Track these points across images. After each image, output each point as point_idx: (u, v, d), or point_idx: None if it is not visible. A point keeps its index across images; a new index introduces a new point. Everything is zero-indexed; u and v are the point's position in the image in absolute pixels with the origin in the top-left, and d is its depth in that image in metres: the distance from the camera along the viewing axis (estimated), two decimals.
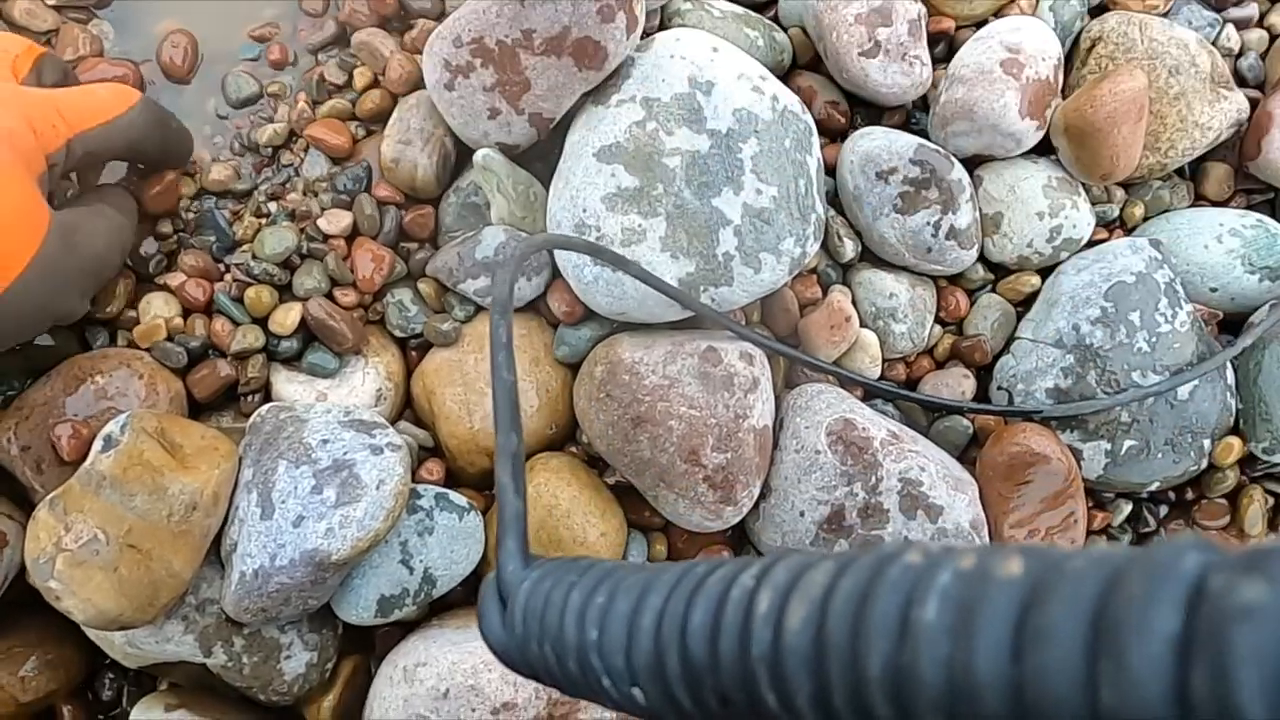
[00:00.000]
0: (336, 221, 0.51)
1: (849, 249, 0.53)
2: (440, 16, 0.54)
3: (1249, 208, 0.58)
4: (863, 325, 0.53)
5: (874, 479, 0.49)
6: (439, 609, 0.51)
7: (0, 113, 0.38)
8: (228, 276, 0.50)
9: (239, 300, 0.49)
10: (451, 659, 0.44)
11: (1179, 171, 0.58)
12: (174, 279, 0.49)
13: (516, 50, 0.47)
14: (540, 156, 0.52)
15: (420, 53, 0.52)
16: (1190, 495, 0.56)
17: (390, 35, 0.54)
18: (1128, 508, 0.56)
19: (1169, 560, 0.12)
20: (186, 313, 0.50)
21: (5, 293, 0.37)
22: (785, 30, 0.56)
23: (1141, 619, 0.12)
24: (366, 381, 0.50)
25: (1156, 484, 0.53)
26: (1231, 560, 0.12)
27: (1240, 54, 0.59)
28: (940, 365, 0.56)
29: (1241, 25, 0.59)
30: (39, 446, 0.44)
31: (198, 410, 0.50)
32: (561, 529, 0.48)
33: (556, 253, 0.49)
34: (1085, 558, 0.13)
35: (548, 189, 0.50)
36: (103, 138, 0.43)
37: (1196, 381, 0.52)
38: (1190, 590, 0.12)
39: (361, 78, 0.54)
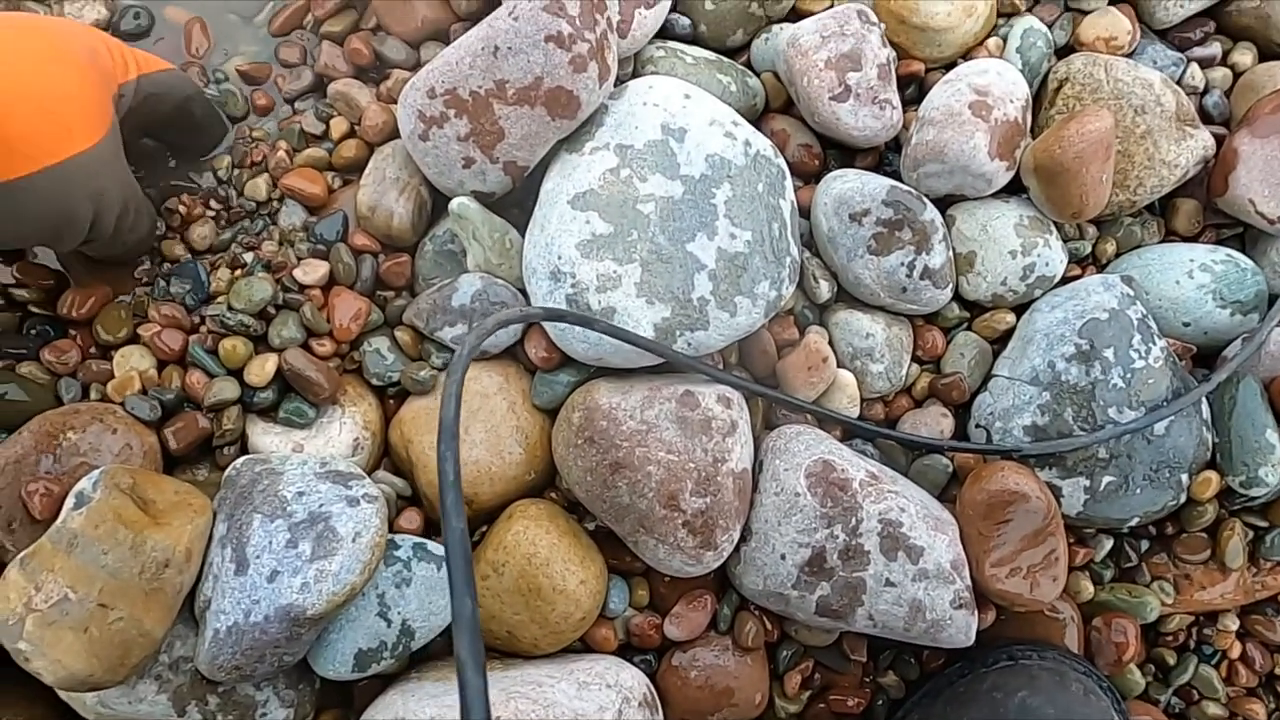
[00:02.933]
0: (313, 271, 0.51)
1: (825, 290, 0.53)
2: (415, 67, 0.55)
3: (1219, 242, 0.58)
4: (840, 365, 0.53)
5: (854, 520, 0.49)
6: (418, 661, 0.50)
7: (87, 35, 0.45)
8: (202, 328, 0.50)
9: (213, 352, 0.49)
10: (430, 713, 0.43)
11: (1149, 208, 0.59)
12: (147, 330, 0.49)
13: (490, 100, 0.47)
14: (516, 203, 0.52)
15: (395, 102, 0.52)
16: (1170, 530, 0.56)
17: (366, 85, 0.55)
18: (1109, 543, 0.56)
19: None
20: (161, 365, 0.49)
21: (66, 162, 0.41)
22: (758, 75, 0.57)
23: None
24: (344, 431, 0.50)
25: (1136, 519, 0.53)
26: None
27: (1205, 92, 0.60)
28: (918, 404, 0.56)
29: (1205, 64, 0.60)
30: (10, 505, 0.43)
31: (172, 464, 0.49)
32: (541, 577, 0.48)
33: (532, 297, 0.49)
34: None
35: (523, 235, 0.50)
36: (164, 84, 0.49)
37: (1173, 417, 0.52)
38: None
39: (338, 127, 0.54)
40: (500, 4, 0.53)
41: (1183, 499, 0.54)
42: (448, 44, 0.54)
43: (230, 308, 0.49)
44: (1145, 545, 0.57)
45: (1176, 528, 0.56)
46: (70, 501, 0.42)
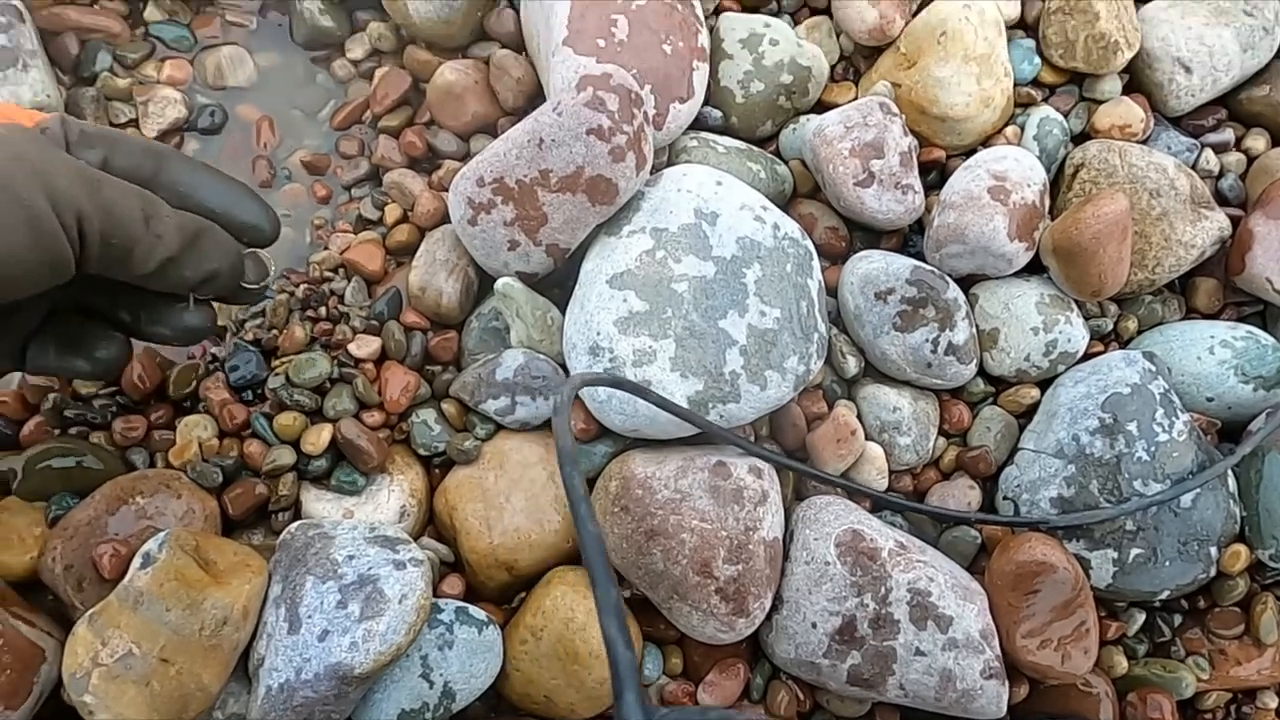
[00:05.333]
0: (366, 346, 0.54)
1: (852, 365, 0.56)
2: (464, 157, 0.59)
3: (1240, 319, 0.60)
4: (868, 438, 0.55)
5: (883, 589, 0.50)
6: None
7: None
8: (258, 405, 0.53)
9: (270, 417, 0.52)
10: None
11: (1169, 286, 0.60)
12: (216, 394, 0.52)
13: (535, 188, 0.50)
14: (557, 283, 0.55)
15: (446, 190, 0.56)
16: (1203, 604, 0.56)
17: (419, 175, 0.59)
18: (1141, 617, 0.56)
19: None
20: (222, 434, 0.52)
21: None
22: (786, 162, 0.60)
23: None
24: (391, 499, 0.52)
25: (1167, 592, 0.54)
26: None
27: (1220, 175, 0.62)
28: (946, 476, 0.57)
29: (1219, 149, 0.62)
30: (81, 565, 0.46)
31: (230, 528, 0.52)
32: (578, 641, 0.49)
33: (572, 370, 0.51)
34: None
35: (564, 313, 0.53)
36: None
37: (1199, 489, 0.53)
38: None
39: (392, 213, 0.58)
40: (544, 100, 0.57)
41: (1213, 572, 0.54)
42: (495, 136, 0.58)
43: (289, 381, 0.52)
44: (1178, 619, 0.57)
45: (1209, 602, 0.56)
46: (137, 561, 0.45)
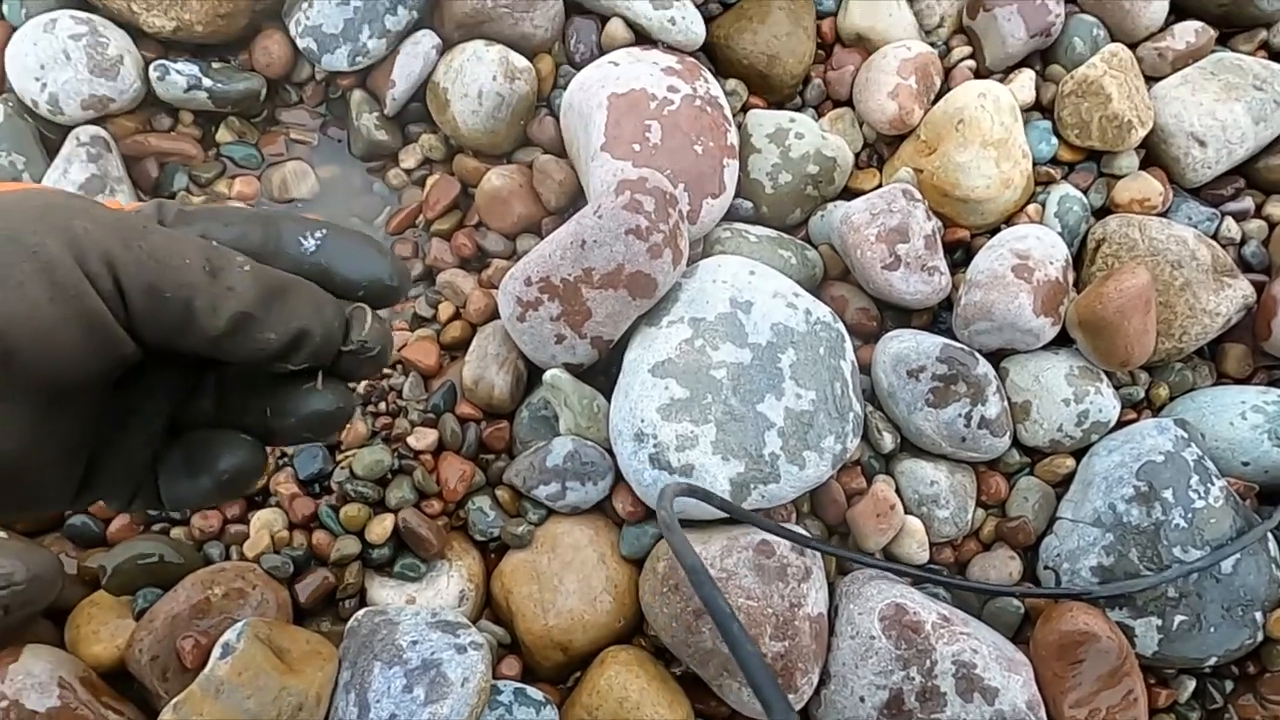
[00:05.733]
0: (424, 438, 0.57)
1: (888, 441, 0.58)
2: (512, 256, 0.63)
3: (1271, 383, 0.61)
4: (908, 512, 0.57)
5: (928, 662, 0.51)
6: None
7: None
8: (325, 497, 0.56)
9: (335, 509, 0.55)
10: None
11: (1199, 353, 0.62)
12: (286, 489, 0.56)
13: (578, 285, 0.54)
14: (602, 372, 0.58)
15: (495, 287, 0.60)
16: (1253, 669, 0.57)
17: (469, 274, 0.63)
18: (1192, 684, 0.56)
19: None
20: (291, 527, 0.56)
21: None
22: (815, 247, 0.63)
23: None
24: (451, 584, 0.55)
25: (1215, 658, 0.54)
26: None
27: (1242, 242, 0.63)
28: (987, 547, 0.58)
29: (1239, 217, 0.64)
30: (165, 656, 0.49)
31: (301, 615, 0.55)
32: None
33: (619, 456, 0.54)
34: None
35: (609, 401, 0.56)
36: None
37: (1239, 554, 0.54)
38: None
39: (445, 311, 0.62)
40: (585, 200, 0.61)
41: (1259, 637, 0.55)
42: (540, 235, 0.62)
43: (352, 474, 0.55)
44: (1230, 686, 0.57)
45: (1259, 667, 0.56)
46: (217, 651, 0.47)
